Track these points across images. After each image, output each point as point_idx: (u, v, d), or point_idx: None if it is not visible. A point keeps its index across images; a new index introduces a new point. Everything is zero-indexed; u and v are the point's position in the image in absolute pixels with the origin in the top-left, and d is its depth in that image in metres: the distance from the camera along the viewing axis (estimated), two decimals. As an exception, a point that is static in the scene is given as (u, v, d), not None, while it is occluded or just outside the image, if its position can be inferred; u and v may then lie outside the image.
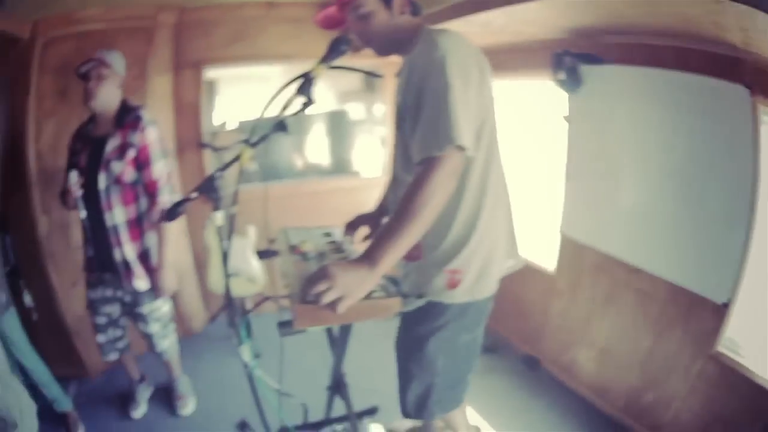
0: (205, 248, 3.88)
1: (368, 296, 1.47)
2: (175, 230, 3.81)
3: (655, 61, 2.29)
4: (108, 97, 2.65)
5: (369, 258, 1.39)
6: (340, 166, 4.91)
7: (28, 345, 2.84)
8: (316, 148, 4.92)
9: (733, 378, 2.20)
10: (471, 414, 2.25)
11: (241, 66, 4.22)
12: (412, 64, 1.64)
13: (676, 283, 2.37)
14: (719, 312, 2.20)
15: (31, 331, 2.90)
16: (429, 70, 1.51)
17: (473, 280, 1.78)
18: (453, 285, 1.77)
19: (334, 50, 1.60)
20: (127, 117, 2.67)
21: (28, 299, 2.99)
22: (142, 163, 2.65)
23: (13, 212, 3.07)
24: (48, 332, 3.35)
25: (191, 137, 4.02)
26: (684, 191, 2.25)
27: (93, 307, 2.87)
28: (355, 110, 4.88)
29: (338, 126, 4.87)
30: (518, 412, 2.99)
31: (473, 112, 1.55)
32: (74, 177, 2.54)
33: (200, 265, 4.19)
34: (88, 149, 2.65)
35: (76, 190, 2.55)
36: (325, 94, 4.86)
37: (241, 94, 4.53)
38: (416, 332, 1.89)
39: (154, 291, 2.81)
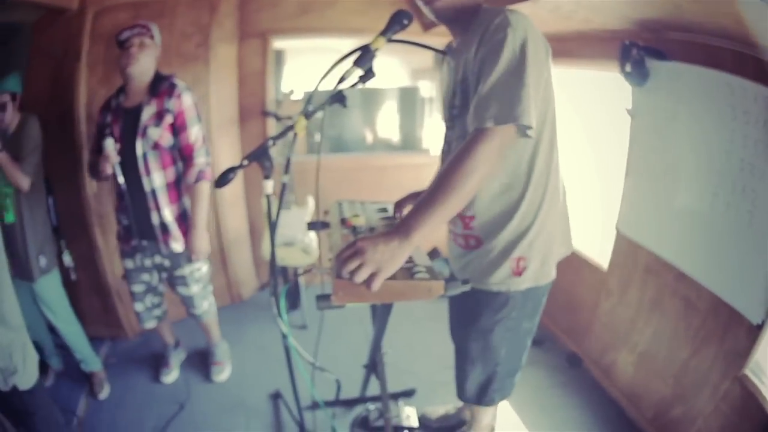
0: (263, 216, 3.93)
1: (411, 277, 1.44)
2: (231, 197, 3.90)
3: (714, 62, 2.17)
4: (147, 65, 2.69)
5: (402, 229, 1.34)
6: (410, 142, 4.91)
7: (66, 306, 2.95)
8: (387, 122, 4.93)
9: (751, 405, 2.10)
10: (504, 406, 2.21)
11: (309, 38, 4.23)
12: (478, 40, 1.54)
13: (719, 295, 2.26)
14: (753, 333, 2.10)
15: (70, 290, 3.02)
16: (500, 43, 1.43)
17: (538, 266, 1.77)
18: (519, 272, 1.75)
19: (395, 23, 1.55)
20: (162, 85, 2.70)
21: (68, 259, 3.06)
22: (179, 128, 2.69)
23: (60, 174, 3.15)
24: (88, 292, 3.48)
25: (255, 106, 4.06)
26: (736, 201, 2.13)
27: (130, 276, 2.93)
28: (426, 88, 4.84)
29: (409, 102, 4.86)
30: (552, 409, 2.93)
31: (541, 93, 1.51)
32: (111, 144, 2.57)
33: (255, 232, 4.26)
34: (121, 120, 2.69)
35: (114, 157, 2.59)
36: (398, 70, 4.88)
37: (313, 64, 4.51)
38: (480, 323, 1.88)
39: (188, 253, 2.85)
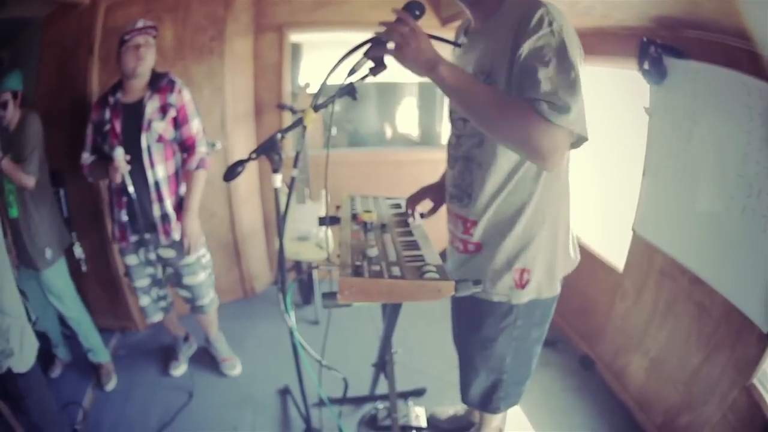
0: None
1: (421, 276, 1.41)
2: (246, 190, 3.92)
3: (731, 62, 2.11)
4: (151, 63, 2.77)
5: (442, 60, 1.39)
6: (428, 138, 4.88)
7: (73, 296, 2.96)
8: (406, 117, 4.91)
9: (756, 415, 2.06)
10: (513, 408, 2.18)
11: (326, 32, 4.20)
12: (513, 35, 1.44)
13: (730, 300, 2.21)
14: (763, 341, 2.04)
15: (80, 282, 3.03)
16: (559, 43, 1.35)
17: (542, 278, 1.72)
18: (522, 285, 1.71)
19: None
20: (161, 81, 2.76)
21: (78, 251, 3.10)
22: (181, 121, 2.77)
23: (71, 167, 3.12)
24: (98, 284, 3.49)
25: (271, 99, 4.05)
26: (752, 205, 2.06)
27: (134, 272, 2.95)
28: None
29: (429, 97, 4.83)
30: (560, 412, 2.90)
31: None
32: (121, 154, 2.59)
33: (269, 226, 4.27)
34: (122, 116, 2.72)
35: (125, 167, 2.62)
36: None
37: (330, 57, 4.49)
38: (483, 331, 1.84)
39: (181, 237, 2.86)
